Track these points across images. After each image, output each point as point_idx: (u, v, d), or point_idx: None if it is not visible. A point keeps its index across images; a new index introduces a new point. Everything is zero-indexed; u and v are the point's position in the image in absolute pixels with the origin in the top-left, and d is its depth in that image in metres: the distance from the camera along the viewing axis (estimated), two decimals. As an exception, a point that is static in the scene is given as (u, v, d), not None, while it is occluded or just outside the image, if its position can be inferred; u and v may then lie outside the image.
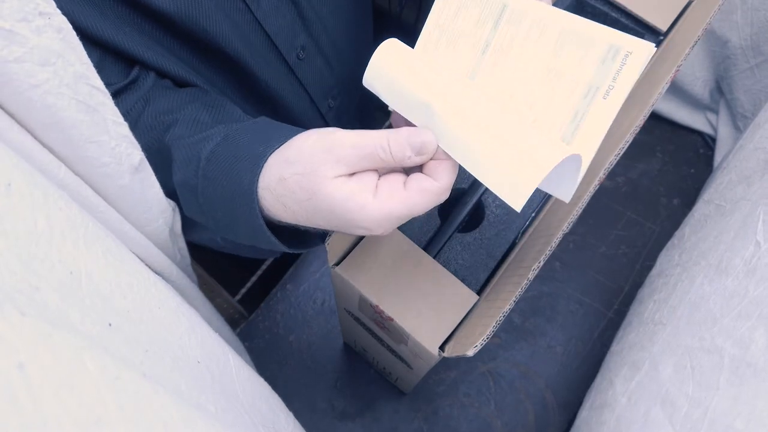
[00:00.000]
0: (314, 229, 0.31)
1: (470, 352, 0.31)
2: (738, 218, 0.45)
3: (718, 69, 0.70)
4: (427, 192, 0.28)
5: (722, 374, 0.35)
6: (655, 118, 0.77)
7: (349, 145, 0.27)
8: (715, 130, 0.74)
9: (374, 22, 0.59)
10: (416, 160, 0.28)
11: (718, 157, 0.73)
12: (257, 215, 0.30)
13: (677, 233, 0.60)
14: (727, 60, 0.67)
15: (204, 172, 0.32)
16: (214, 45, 0.38)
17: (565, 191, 0.30)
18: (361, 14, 0.54)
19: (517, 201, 0.25)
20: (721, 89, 0.72)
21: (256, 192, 0.29)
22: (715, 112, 0.74)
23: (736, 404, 0.33)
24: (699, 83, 0.72)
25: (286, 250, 0.33)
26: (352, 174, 0.28)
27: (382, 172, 0.29)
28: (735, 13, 0.62)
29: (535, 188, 0.25)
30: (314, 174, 0.28)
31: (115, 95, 0.34)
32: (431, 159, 0.28)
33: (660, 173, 0.74)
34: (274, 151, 0.30)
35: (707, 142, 0.76)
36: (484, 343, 0.31)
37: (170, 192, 0.35)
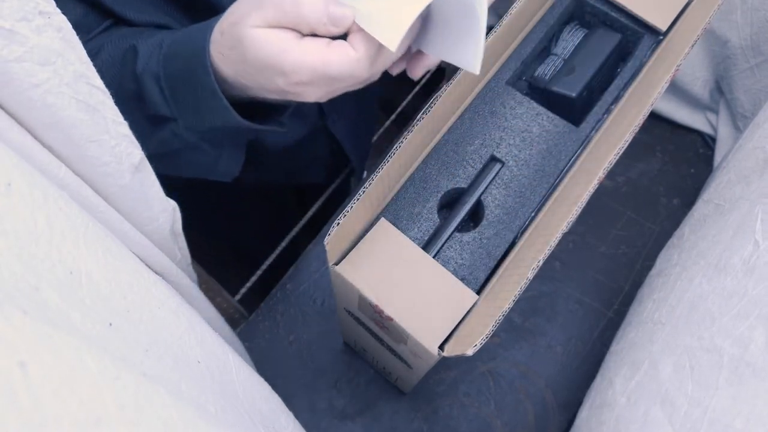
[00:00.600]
0: (249, 88, 0.35)
1: (470, 352, 0.31)
2: (736, 217, 0.45)
3: (717, 69, 0.70)
4: (345, 56, 0.31)
5: (721, 374, 0.35)
6: (655, 117, 0.77)
7: (276, 2, 0.31)
8: (715, 129, 0.75)
9: None
10: (332, 30, 0.31)
11: (717, 156, 0.73)
12: (208, 71, 0.34)
13: (676, 233, 0.60)
14: (726, 60, 0.67)
15: (165, 55, 0.36)
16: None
17: (469, 60, 0.32)
18: None
19: (392, 39, 0.29)
20: (720, 89, 0.72)
21: (208, 49, 0.34)
22: (715, 111, 0.74)
23: (736, 403, 0.33)
24: (699, 83, 0.72)
25: (239, 119, 0.36)
26: (275, 27, 0.32)
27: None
28: (735, 13, 0.62)
29: (406, 27, 0.28)
30: (242, 23, 0.32)
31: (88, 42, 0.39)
32: (353, 32, 0.31)
33: (660, 173, 0.74)
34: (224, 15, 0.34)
35: (707, 142, 0.76)
36: (484, 342, 0.31)
37: (127, 93, 0.38)
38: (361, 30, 0.30)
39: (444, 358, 0.34)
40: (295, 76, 0.31)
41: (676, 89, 0.74)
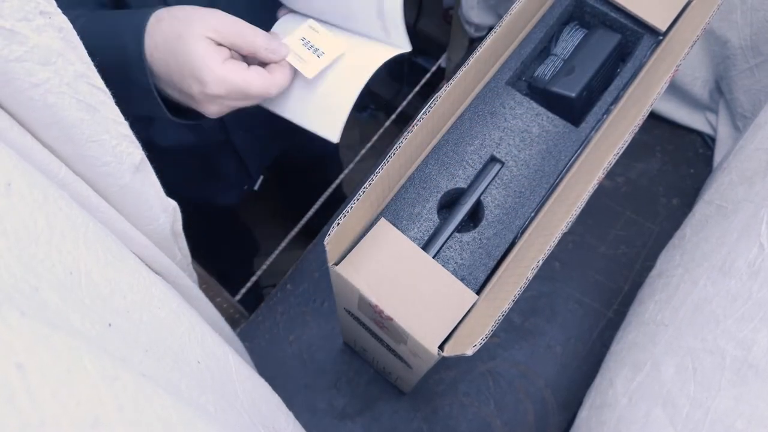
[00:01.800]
0: (164, 82, 0.37)
1: (469, 352, 0.31)
2: (741, 220, 0.45)
3: (717, 69, 0.70)
4: (262, 77, 0.37)
5: (724, 375, 0.35)
6: (655, 117, 0.77)
7: (231, 22, 0.36)
8: (714, 130, 0.75)
9: None
10: (269, 56, 0.38)
11: (717, 157, 0.73)
12: (146, 73, 0.35)
13: (678, 233, 0.60)
14: (726, 60, 0.67)
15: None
16: None
17: (328, 130, 0.44)
18: None
19: (312, 72, 0.42)
20: (720, 89, 0.72)
21: (144, 50, 0.35)
22: (715, 112, 0.74)
23: (738, 405, 0.33)
24: (698, 83, 0.72)
25: (168, 115, 0.38)
26: (218, 44, 0.36)
27: (236, 56, 0.38)
28: (734, 13, 0.62)
29: (326, 64, 0.42)
30: (190, 24, 0.35)
31: None
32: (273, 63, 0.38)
33: (659, 173, 0.74)
34: (160, 9, 0.36)
35: (707, 142, 0.76)
36: (483, 342, 0.31)
37: None
38: (287, 66, 0.41)
39: (444, 358, 0.34)
40: (213, 87, 0.35)
41: (675, 89, 0.74)
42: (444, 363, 0.62)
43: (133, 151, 0.28)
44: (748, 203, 0.46)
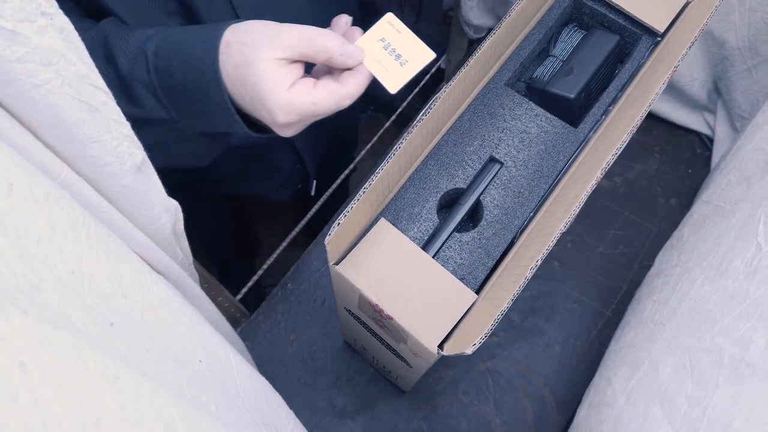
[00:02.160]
0: (239, 102, 0.36)
1: (469, 351, 0.31)
2: (738, 220, 0.45)
3: (715, 70, 0.70)
4: (332, 92, 0.34)
5: (721, 374, 0.35)
6: (653, 118, 0.77)
7: (299, 32, 0.34)
8: (712, 130, 0.75)
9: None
10: (347, 62, 0.35)
11: (715, 157, 0.74)
12: (222, 91, 0.34)
13: (676, 233, 0.60)
14: (724, 61, 0.67)
15: (156, 67, 0.36)
16: None
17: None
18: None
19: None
20: (718, 90, 0.72)
21: (219, 68, 0.34)
22: (713, 112, 0.74)
23: (735, 403, 0.33)
24: (696, 84, 0.72)
25: (247, 131, 0.37)
26: (291, 61, 0.34)
27: (317, 69, 0.37)
28: (732, 14, 0.62)
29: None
30: (257, 49, 0.33)
31: None
32: (347, 70, 0.36)
33: (657, 173, 0.74)
34: (228, 27, 0.35)
35: (705, 143, 0.76)
36: (483, 341, 0.31)
37: (115, 77, 0.38)
38: (360, 71, 0.36)
39: (443, 357, 0.34)
40: (282, 117, 0.34)
41: (673, 90, 0.74)
42: (444, 362, 0.62)
43: (135, 152, 0.28)
44: (745, 203, 0.46)
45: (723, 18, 0.63)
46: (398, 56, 0.37)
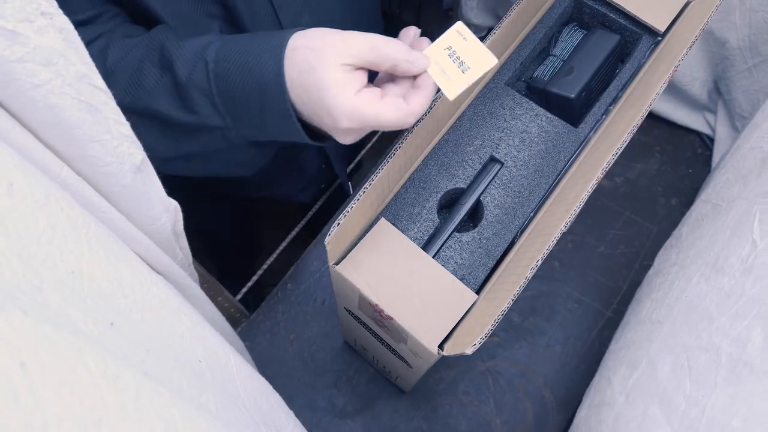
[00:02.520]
0: (299, 108, 0.36)
1: (469, 351, 0.31)
2: (734, 217, 0.45)
3: (716, 69, 0.70)
4: (397, 109, 0.34)
5: (719, 373, 0.35)
6: (654, 118, 0.77)
7: (364, 39, 0.34)
8: (713, 130, 0.75)
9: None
10: (412, 69, 0.35)
11: (716, 157, 0.74)
12: (285, 99, 0.34)
13: (675, 232, 0.60)
14: (725, 60, 0.67)
15: (215, 73, 0.36)
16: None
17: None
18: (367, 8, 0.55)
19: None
20: (719, 90, 0.72)
21: (284, 74, 0.34)
22: (713, 112, 0.74)
23: (734, 402, 0.33)
24: (697, 84, 0.72)
25: (307, 139, 0.37)
26: (356, 68, 0.34)
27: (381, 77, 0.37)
28: (733, 14, 0.62)
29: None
30: (323, 54, 0.33)
31: (80, 24, 0.37)
32: (412, 88, 0.35)
33: (658, 173, 0.74)
34: (294, 33, 0.35)
35: (705, 143, 0.76)
36: (483, 341, 0.31)
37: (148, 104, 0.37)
38: (426, 89, 0.36)
39: (443, 357, 0.34)
40: (345, 123, 0.34)
41: (674, 90, 0.74)
42: (444, 362, 0.62)
43: (135, 152, 0.28)
44: (741, 200, 0.46)
45: (724, 17, 0.63)
46: (461, 63, 0.36)
